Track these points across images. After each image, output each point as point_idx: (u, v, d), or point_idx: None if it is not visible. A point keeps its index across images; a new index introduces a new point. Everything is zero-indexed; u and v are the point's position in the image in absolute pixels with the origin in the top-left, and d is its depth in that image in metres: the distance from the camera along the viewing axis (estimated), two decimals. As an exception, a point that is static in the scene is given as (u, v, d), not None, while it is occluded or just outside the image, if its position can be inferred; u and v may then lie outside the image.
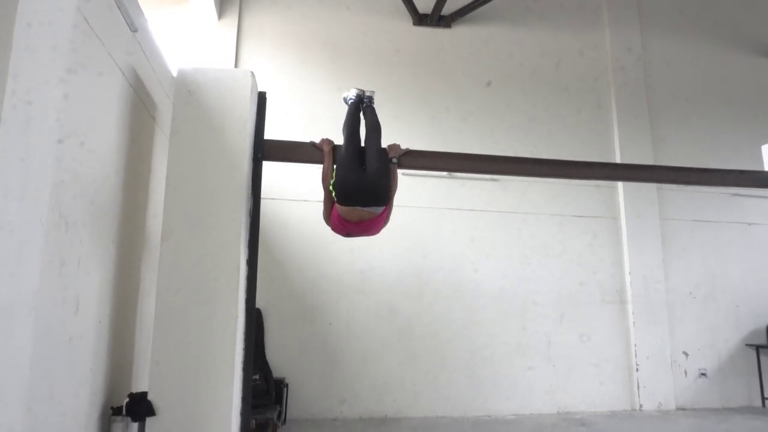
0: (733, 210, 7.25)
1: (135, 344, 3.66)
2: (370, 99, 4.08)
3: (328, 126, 6.35)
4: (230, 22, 6.63)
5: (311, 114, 6.50)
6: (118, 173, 3.25)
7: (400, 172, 3.93)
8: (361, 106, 4.05)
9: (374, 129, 3.88)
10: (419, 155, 4.02)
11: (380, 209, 3.60)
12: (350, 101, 4.07)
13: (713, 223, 7.18)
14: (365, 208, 3.54)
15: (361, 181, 3.53)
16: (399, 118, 6.72)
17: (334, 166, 3.73)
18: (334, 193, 3.59)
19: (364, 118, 3.99)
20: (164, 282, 3.23)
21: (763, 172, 4.70)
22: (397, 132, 6.47)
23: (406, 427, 5.66)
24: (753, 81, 7.86)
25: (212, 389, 3.16)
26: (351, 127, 3.87)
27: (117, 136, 3.21)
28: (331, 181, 3.67)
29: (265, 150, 3.68)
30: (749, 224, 7.25)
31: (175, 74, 3.53)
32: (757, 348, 6.87)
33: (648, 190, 6.99)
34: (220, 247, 3.33)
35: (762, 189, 6.83)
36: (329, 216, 3.78)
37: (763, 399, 6.76)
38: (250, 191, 3.55)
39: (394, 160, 3.90)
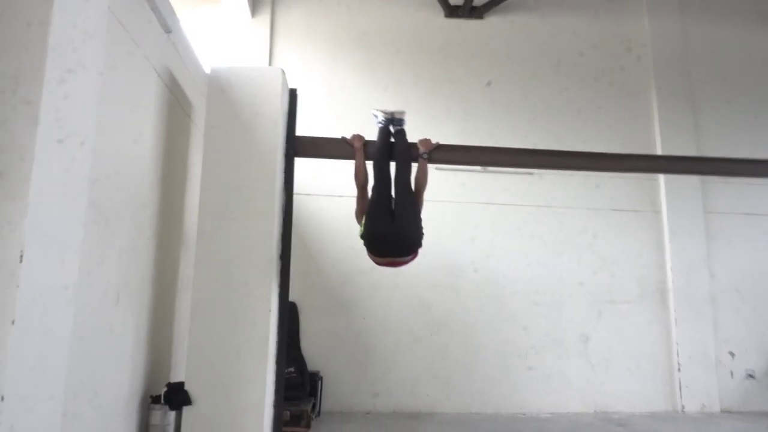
0: (783, 202, 6.91)
1: (173, 336, 3.77)
2: (401, 121, 3.82)
3: (360, 120, 6.41)
4: (263, 20, 6.72)
5: (343, 109, 6.55)
6: (156, 170, 3.36)
7: (432, 166, 3.91)
8: (391, 130, 3.80)
9: (404, 161, 3.66)
10: (449, 149, 3.98)
11: (409, 256, 3.48)
12: (378, 125, 3.84)
13: (761, 216, 6.86)
14: (395, 258, 3.47)
15: (391, 234, 3.38)
16: (433, 108, 6.71)
17: (364, 213, 3.57)
18: (363, 243, 3.49)
19: (395, 144, 3.75)
20: (200, 275, 3.33)
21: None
22: (433, 124, 6.55)
23: (439, 422, 5.65)
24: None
25: (246, 381, 3.23)
26: (380, 161, 3.64)
27: (154, 135, 3.31)
28: (360, 231, 3.53)
29: (296, 146, 3.73)
30: (800, 217, 6.90)
31: (208, 73, 3.61)
32: (810, 348, 6.55)
33: (691, 182, 6.73)
34: (254, 242, 3.40)
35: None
36: (362, 215, 3.78)
37: (816, 402, 6.44)
38: (282, 187, 3.61)
39: (425, 155, 3.88)
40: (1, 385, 1.48)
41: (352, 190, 6.21)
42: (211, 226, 3.39)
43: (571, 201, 6.64)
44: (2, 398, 1.48)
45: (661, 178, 6.75)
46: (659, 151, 6.72)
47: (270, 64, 6.59)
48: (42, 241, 1.66)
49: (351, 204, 6.26)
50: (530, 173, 6.60)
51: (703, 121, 7.03)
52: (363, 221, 3.51)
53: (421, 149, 3.88)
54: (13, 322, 1.53)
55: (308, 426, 5.07)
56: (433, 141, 3.95)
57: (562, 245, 6.55)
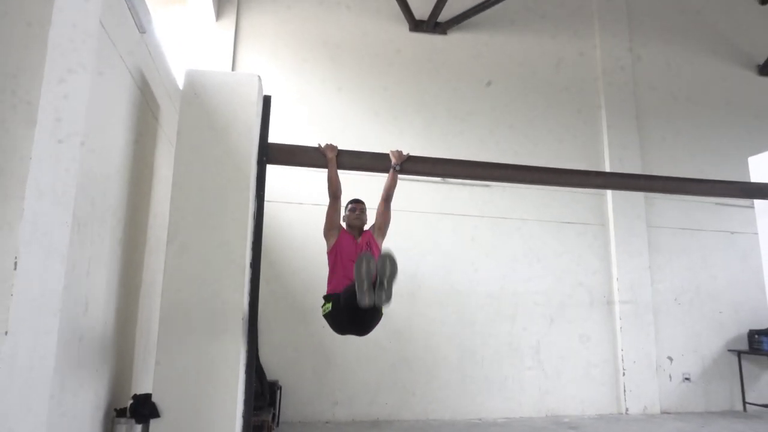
0: (717, 219, 7.45)
1: (135, 346, 3.65)
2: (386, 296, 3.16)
3: (329, 125, 6.45)
4: (228, 23, 6.63)
5: (311, 114, 6.58)
6: (123, 174, 3.25)
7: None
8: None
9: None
10: (420, 161, 4.08)
11: None
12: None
13: (698, 231, 7.38)
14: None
15: (354, 323, 3.44)
16: (398, 119, 6.83)
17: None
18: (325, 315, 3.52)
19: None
20: (169, 283, 3.24)
21: (750, 183, 4.86)
22: (396, 134, 6.65)
23: (398, 429, 5.70)
24: (739, 92, 8.11)
25: (216, 391, 3.17)
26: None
27: (124, 137, 3.21)
28: (324, 308, 3.54)
29: (269, 153, 3.71)
30: (732, 233, 7.46)
31: (179, 76, 3.54)
32: (739, 353, 7.07)
33: (635, 198, 7.15)
34: (226, 249, 3.35)
35: (745, 199, 7.06)
36: (331, 229, 3.80)
37: (744, 403, 6.96)
38: (254, 194, 3.57)
39: (397, 167, 3.96)
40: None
41: (314, 198, 6.28)
42: (181, 231, 3.31)
43: (526, 213, 6.90)
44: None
45: (609, 194, 7.13)
46: (607, 168, 7.10)
47: (234, 68, 6.50)
48: (35, 246, 1.60)
49: (313, 212, 6.30)
50: (487, 185, 6.81)
51: (647, 141, 7.49)
52: (328, 305, 3.52)
53: (393, 160, 3.97)
54: (6, 333, 1.46)
55: (269, 436, 5.00)
56: (404, 153, 4.05)
57: (517, 256, 6.78)
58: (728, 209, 7.46)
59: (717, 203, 7.40)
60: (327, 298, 3.63)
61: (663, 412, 6.71)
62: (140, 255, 3.69)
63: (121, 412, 3.10)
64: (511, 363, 6.52)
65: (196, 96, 3.47)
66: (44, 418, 1.70)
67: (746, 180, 5.13)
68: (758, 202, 4.99)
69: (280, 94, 6.30)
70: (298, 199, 6.29)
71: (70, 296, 2.42)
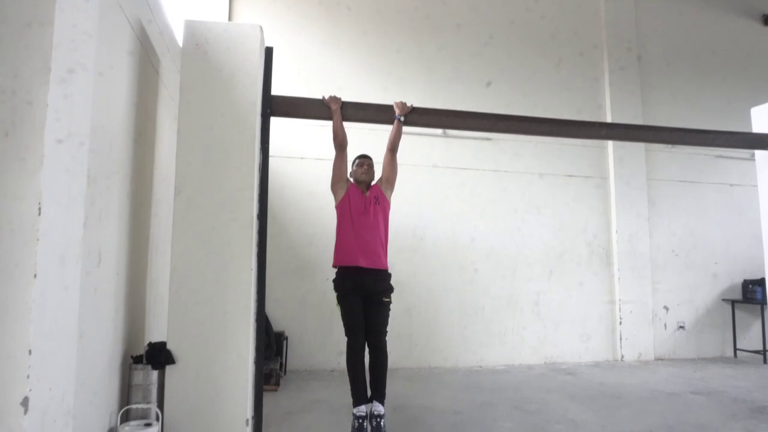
0: (716, 171, 7.50)
1: (146, 298, 3.72)
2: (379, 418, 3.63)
3: (327, 81, 6.36)
4: (223, -27, 6.45)
5: (308, 70, 6.47)
6: (129, 129, 3.24)
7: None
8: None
9: None
10: (424, 112, 4.07)
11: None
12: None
13: (697, 184, 7.43)
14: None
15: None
16: (400, 75, 6.75)
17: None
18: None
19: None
20: (179, 236, 3.28)
21: (752, 134, 4.87)
22: (397, 92, 6.57)
23: (401, 376, 5.89)
24: (743, 42, 7.99)
25: (230, 339, 3.27)
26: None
27: (127, 89, 3.18)
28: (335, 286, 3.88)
29: (273, 106, 3.68)
30: (731, 185, 7.51)
31: (178, 31, 3.48)
32: (733, 303, 7.25)
33: (636, 151, 7.16)
34: (233, 202, 3.38)
35: (744, 151, 7.09)
36: (338, 182, 3.87)
37: (735, 349, 7.18)
38: (259, 146, 3.57)
39: (401, 118, 3.95)
40: (29, 340, 1.47)
41: (317, 153, 6.27)
42: (188, 186, 3.33)
43: (528, 167, 6.92)
44: (30, 352, 1.47)
45: (610, 147, 7.14)
46: (609, 120, 7.07)
47: (229, 20, 6.36)
48: (56, 193, 1.62)
49: (315, 166, 6.31)
50: (488, 139, 6.81)
51: (649, 96, 7.43)
52: (340, 301, 3.85)
53: (397, 111, 3.96)
54: (35, 276, 1.50)
55: (277, 384, 5.18)
56: (408, 104, 4.03)
57: (519, 209, 6.85)
58: (727, 162, 7.50)
59: (717, 156, 7.44)
60: (336, 283, 3.87)
61: (657, 359, 6.94)
62: (147, 209, 3.72)
63: (137, 359, 3.20)
64: (511, 314, 6.68)
65: (197, 47, 3.42)
66: (74, 360, 1.77)
67: (748, 131, 5.14)
68: (759, 153, 5.00)
69: (278, 49, 6.19)
70: (300, 153, 6.29)
71: (85, 248, 2.46)
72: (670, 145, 7.20)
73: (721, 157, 7.43)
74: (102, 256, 2.76)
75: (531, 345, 6.69)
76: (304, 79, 6.41)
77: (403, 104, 3.99)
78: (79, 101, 1.88)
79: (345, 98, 4.01)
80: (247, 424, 3.26)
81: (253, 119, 3.46)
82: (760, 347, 7.00)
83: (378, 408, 3.65)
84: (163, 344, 3.23)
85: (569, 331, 6.80)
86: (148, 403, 3.14)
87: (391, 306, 3.97)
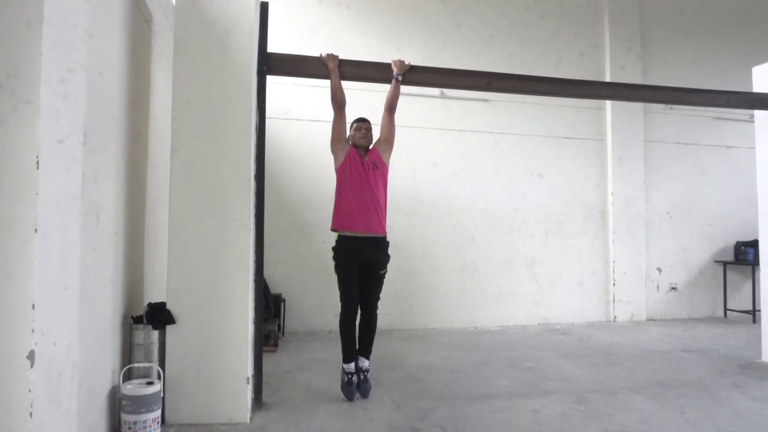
0: (713, 133, 7.48)
1: (145, 258, 3.71)
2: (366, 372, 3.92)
3: (324, 40, 6.21)
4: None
5: (304, 28, 6.32)
6: (123, 86, 3.16)
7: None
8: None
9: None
10: (422, 71, 4.00)
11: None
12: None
13: (694, 146, 7.42)
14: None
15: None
16: (396, 35, 6.59)
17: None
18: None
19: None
20: (176, 195, 3.25)
21: (752, 93, 4.83)
22: (393, 51, 6.44)
23: (398, 337, 5.98)
24: (744, 2, 7.83)
25: (229, 299, 3.28)
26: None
27: (119, 45, 3.09)
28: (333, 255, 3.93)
29: (269, 63, 3.60)
30: (728, 147, 7.51)
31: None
32: (725, 264, 7.34)
33: (634, 112, 7.11)
34: (230, 162, 3.33)
35: (742, 113, 7.05)
36: (338, 142, 3.83)
37: (726, 310, 7.32)
38: (256, 105, 3.51)
39: (399, 77, 3.88)
40: (33, 293, 1.46)
41: (313, 114, 6.19)
42: (185, 145, 3.27)
43: (525, 129, 6.87)
44: (33, 306, 1.46)
45: (608, 109, 7.08)
46: (608, 80, 6.98)
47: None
48: (54, 146, 1.58)
49: (311, 128, 6.24)
50: (486, 100, 6.72)
51: (649, 58, 7.32)
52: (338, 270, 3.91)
53: (395, 70, 3.88)
54: (35, 230, 1.48)
55: (276, 345, 5.24)
56: (406, 62, 3.94)
57: (516, 171, 6.83)
58: (725, 123, 7.47)
59: (714, 117, 7.40)
60: (337, 253, 3.90)
61: (649, 320, 7.07)
62: (143, 169, 3.67)
63: (137, 319, 3.22)
64: (507, 276, 6.74)
65: (191, 2, 3.31)
66: (77, 315, 1.77)
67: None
68: (759, 114, 4.97)
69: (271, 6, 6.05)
70: (296, 115, 6.20)
71: (83, 204, 2.43)
72: (668, 107, 7.15)
73: (719, 118, 7.39)
74: (100, 215, 2.73)
75: (526, 306, 6.77)
76: (301, 36, 6.25)
77: (402, 62, 3.91)
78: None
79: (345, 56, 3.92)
80: (248, 383, 3.31)
81: (249, 77, 3.39)
82: (749, 307, 7.13)
83: (364, 363, 3.90)
84: (162, 304, 3.24)
85: (564, 292, 6.88)
86: (150, 362, 3.17)
87: (387, 271, 4.04)
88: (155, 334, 3.20)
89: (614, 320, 6.94)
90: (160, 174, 3.93)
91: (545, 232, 6.87)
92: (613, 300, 6.96)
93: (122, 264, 3.17)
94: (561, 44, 7.15)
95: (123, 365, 3.09)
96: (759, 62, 5.07)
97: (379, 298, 4.05)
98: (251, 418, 3.28)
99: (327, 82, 3.84)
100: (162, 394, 3.05)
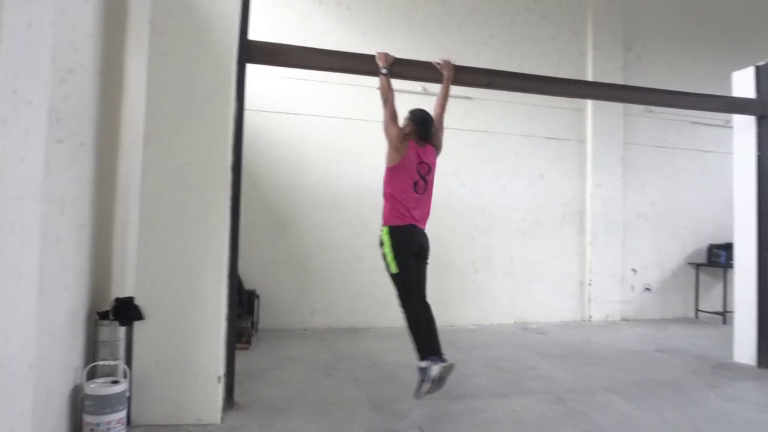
0: (690, 137, 7.58)
1: (113, 251, 3.54)
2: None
3: (314, 30, 6.05)
4: None
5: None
6: (94, 69, 2.99)
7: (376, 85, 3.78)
8: None
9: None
10: (407, 64, 3.92)
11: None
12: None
13: (671, 150, 7.51)
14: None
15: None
16: (381, 30, 6.49)
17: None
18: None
19: None
20: (148, 184, 3.11)
21: (735, 98, 4.88)
22: (378, 43, 6.34)
23: (373, 335, 5.90)
24: (726, 8, 7.94)
25: (202, 293, 3.15)
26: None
27: (93, 28, 2.91)
28: (387, 255, 3.70)
29: (250, 51, 3.46)
30: (704, 152, 7.62)
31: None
32: (697, 266, 7.46)
33: (614, 115, 7.16)
34: (206, 152, 3.20)
35: (718, 118, 7.17)
36: (393, 120, 3.68)
37: (697, 311, 7.44)
38: (235, 95, 3.37)
39: (384, 70, 3.77)
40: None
41: (289, 108, 6.08)
42: (159, 133, 3.12)
43: (507, 128, 6.85)
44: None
45: (589, 110, 7.11)
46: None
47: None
48: (10, 129, 1.45)
49: (290, 121, 6.12)
50: (469, 98, 6.67)
51: (631, 61, 7.37)
52: (393, 263, 3.68)
53: (381, 63, 3.77)
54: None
55: (249, 342, 5.11)
56: (390, 55, 3.84)
57: (497, 170, 6.82)
58: (701, 128, 7.58)
59: (692, 122, 7.50)
60: (391, 247, 3.66)
61: (623, 320, 7.14)
62: (113, 158, 3.49)
63: (103, 315, 3.06)
64: (485, 274, 6.72)
65: (168, -19, 3.16)
66: (34, 312, 1.63)
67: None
68: (737, 118, 5.02)
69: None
70: (275, 108, 6.05)
71: (46, 191, 2.27)
72: (647, 111, 7.21)
73: (696, 123, 7.49)
74: (65, 205, 2.57)
75: (503, 305, 6.76)
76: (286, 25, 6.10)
77: (387, 55, 3.80)
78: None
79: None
80: (219, 381, 3.18)
81: (228, 65, 3.25)
82: (720, 309, 7.25)
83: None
84: (130, 299, 3.09)
85: (540, 291, 6.89)
86: (116, 359, 3.01)
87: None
88: (122, 330, 3.05)
89: (589, 320, 6.98)
90: (132, 163, 3.75)
91: (524, 231, 6.87)
92: (589, 300, 7.00)
93: (88, 257, 3.01)
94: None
95: (87, 363, 2.93)
96: (738, 67, 5.13)
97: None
98: (222, 419, 3.16)
99: (308, 75, 3.73)
100: (128, 394, 2.91)
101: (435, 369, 3.26)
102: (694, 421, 3.41)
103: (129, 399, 2.92)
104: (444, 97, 3.87)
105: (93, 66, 2.93)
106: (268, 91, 5.96)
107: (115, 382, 2.85)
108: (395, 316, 6.23)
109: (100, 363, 2.94)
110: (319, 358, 4.88)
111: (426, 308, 3.66)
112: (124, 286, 3.64)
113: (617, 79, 6.93)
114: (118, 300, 3.10)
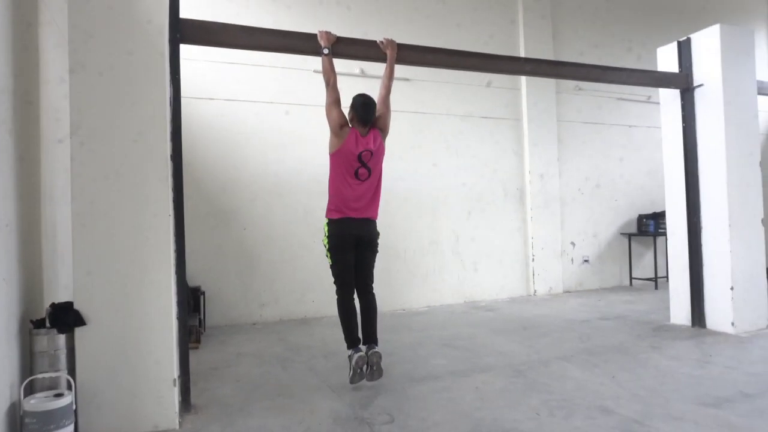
0: (617, 113, 7.93)
1: (42, 253, 3.23)
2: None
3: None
4: None
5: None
6: (7, 53, 2.67)
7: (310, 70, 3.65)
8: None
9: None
10: (350, 43, 3.80)
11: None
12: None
13: (600, 125, 7.83)
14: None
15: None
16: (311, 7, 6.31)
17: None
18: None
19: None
20: (79, 179, 2.83)
21: (663, 72, 5.12)
22: (312, 20, 6.15)
23: (327, 323, 5.79)
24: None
25: (150, 293, 2.93)
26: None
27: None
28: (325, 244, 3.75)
29: (182, 30, 3.22)
30: (630, 126, 8.00)
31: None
32: (629, 236, 7.87)
33: (547, 92, 7.36)
34: (143, 138, 2.96)
35: (641, 94, 7.55)
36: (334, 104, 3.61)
37: (631, 278, 7.86)
38: (169, 77, 3.13)
39: (326, 50, 3.64)
40: None
41: (224, 94, 5.81)
42: (86, 123, 2.84)
43: (445, 108, 6.88)
44: None
45: (523, 89, 7.26)
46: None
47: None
48: None
49: (226, 107, 5.85)
50: (407, 79, 6.63)
51: (560, 38, 7.59)
52: (328, 253, 3.75)
53: (322, 43, 3.64)
54: None
55: (198, 341, 4.88)
56: (333, 34, 3.72)
57: (437, 151, 6.84)
58: (627, 104, 7.95)
59: (618, 98, 7.85)
60: (328, 237, 3.69)
61: (565, 291, 7.42)
62: (36, 151, 3.17)
63: (38, 323, 2.78)
64: (432, 256, 6.76)
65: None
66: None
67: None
68: (663, 92, 5.28)
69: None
70: (209, 94, 5.75)
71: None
72: (578, 88, 7.47)
73: (622, 99, 7.85)
74: (-16, 204, 2.29)
75: (451, 285, 6.84)
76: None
77: (329, 34, 3.67)
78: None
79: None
80: (175, 384, 2.99)
81: (161, 44, 3.01)
82: (652, 275, 7.70)
83: (378, 349, 3.68)
84: (69, 304, 2.82)
85: (487, 269, 7.03)
86: (57, 371, 2.75)
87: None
88: (61, 338, 2.78)
89: (534, 294, 7.20)
90: (55, 156, 3.42)
91: (468, 210, 6.96)
92: (533, 275, 7.22)
93: (16, 261, 2.72)
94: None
95: (24, 377, 2.66)
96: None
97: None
98: (180, 423, 2.97)
99: (243, 58, 3.54)
100: (74, 407, 2.66)
101: (354, 358, 3.51)
102: (646, 381, 3.57)
103: (76, 412, 2.68)
104: (389, 77, 3.81)
105: (7, 59, 2.62)
106: (200, 77, 5.65)
107: (59, 395, 2.61)
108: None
109: (39, 376, 2.68)
110: (273, 351, 4.73)
111: (366, 299, 3.86)
112: (57, 291, 3.34)
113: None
114: (54, 306, 2.82)
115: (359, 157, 3.62)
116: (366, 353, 3.58)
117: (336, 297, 3.74)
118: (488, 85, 6.93)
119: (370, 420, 3.03)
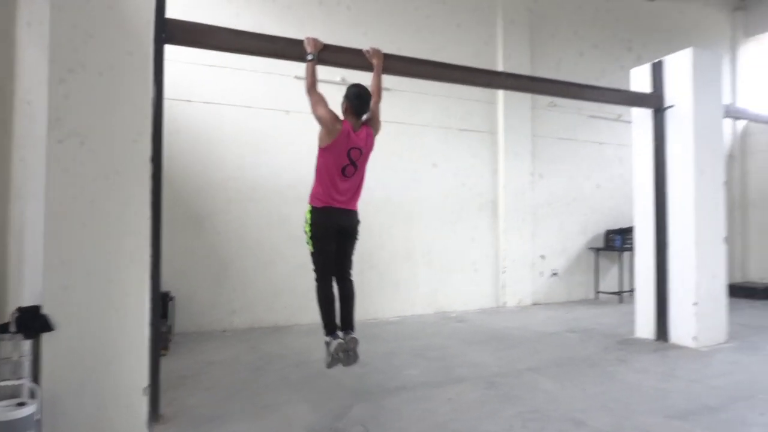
0: (588, 130, 8.14)
1: (9, 255, 3.09)
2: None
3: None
4: None
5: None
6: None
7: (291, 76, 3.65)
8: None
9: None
10: (338, 51, 3.78)
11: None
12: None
13: (572, 141, 8.02)
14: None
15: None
16: (296, 13, 6.27)
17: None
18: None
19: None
20: (55, 176, 2.73)
21: (634, 92, 5.28)
22: (297, 26, 6.10)
23: (299, 332, 5.74)
24: (627, 15, 8.60)
25: (123, 297, 2.84)
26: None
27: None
28: (306, 232, 3.63)
29: (168, 31, 3.16)
30: (600, 143, 8.22)
31: None
32: (597, 251, 8.05)
33: (523, 108, 7.50)
34: (124, 138, 2.88)
35: (611, 113, 7.78)
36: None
37: (597, 292, 8.04)
38: (152, 78, 3.06)
39: (311, 56, 3.62)
40: None
41: (201, 96, 5.72)
42: (66, 120, 2.74)
43: (424, 120, 6.93)
44: None
45: (500, 103, 7.38)
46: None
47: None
48: None
49: (202, 110, 5.76)
50: (387, 89, 6.61)
51: (537, 51, 7.74)
52: (310, 241, 3.62)
53: (309, 49, 3.62)
54: None
55: (166, 348, 4.76)
56: (320, 42, 3.70)
57: (414, 162, 6.88)
58: (598, 122, 8.17)
59: (589, 116, 8.05)
60: (310, 226, 3.58)
61: (534, 304, 7.53)
62: (6, 149, 3.04)
63: (3, 328, 2.66)
64: (405, 266, 6.78)
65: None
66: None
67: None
68: (635, 111, 5.44)
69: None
70: (186, 96, 5.65)
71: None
72: (552, 104, 7.63)
73: (593, 117, 8.06)
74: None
75: (423, 295, 6.86)
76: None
77: (316, 41, 3.65)
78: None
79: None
80: (145, 393, 2.90)
81: (146, 44, 2.94)
82: (617, 289, 7.90)
83: (355, 335, 3.72)
84: (36, 308, 2.71)
85: (459, 280, 7.09)
86: (20, 378, 2.64)
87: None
88: (26, 344, 2.67)
89: (504, 306, 7.29)
90: (27, 153, 3.29)
91: (442, 222, 7.01)
92: (503, 287, 7.31)
93: (-20, 262, 2.60)
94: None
95: (-16, 385, 2.54)
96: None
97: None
98: (149, 434, 2.88)
99: (222, 61, 3.49)
100: (38, 416, 2.55)
101: (333, 344, 3.55)
102: (614, 394, 3.65)
103: (39, 422, 2.56)
104: (377, 87, 3.77)
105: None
106: (179, 78, 5.54)
107: (21, 405, 2.49)
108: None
109: (1, 384, 2.55)
110: (244, 359, 4.65)
111: (345, 285, 3.85)
112: (22, 294, 3.20)
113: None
114: (21, 310, 2.70)
115: (348, 155, 3.58)
116: (344, 338, 3.61)
117: (315, 284, 3.68)
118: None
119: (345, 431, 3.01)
